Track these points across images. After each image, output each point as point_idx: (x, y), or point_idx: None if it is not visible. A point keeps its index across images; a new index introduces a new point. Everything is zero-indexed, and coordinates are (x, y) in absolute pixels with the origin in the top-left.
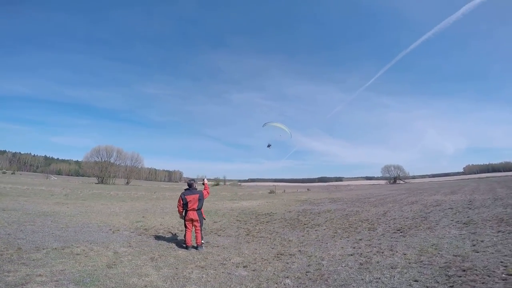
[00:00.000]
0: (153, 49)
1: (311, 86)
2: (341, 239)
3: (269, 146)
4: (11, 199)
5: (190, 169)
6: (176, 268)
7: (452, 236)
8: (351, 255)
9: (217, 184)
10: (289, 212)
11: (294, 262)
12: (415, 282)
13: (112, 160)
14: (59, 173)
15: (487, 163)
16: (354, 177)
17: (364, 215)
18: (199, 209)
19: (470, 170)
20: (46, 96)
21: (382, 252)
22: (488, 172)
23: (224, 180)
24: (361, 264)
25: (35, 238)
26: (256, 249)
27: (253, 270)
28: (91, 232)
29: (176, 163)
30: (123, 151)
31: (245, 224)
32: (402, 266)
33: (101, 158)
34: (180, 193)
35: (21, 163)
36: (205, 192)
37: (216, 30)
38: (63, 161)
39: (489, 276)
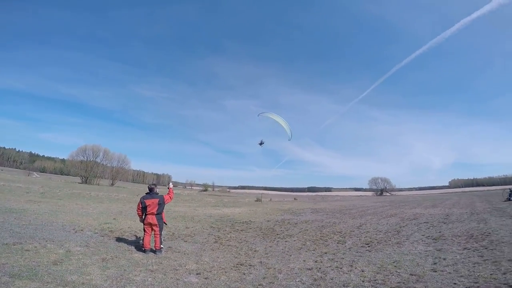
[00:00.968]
0: (151, 51)
1: (305, 96)
2: (306, 251)
3: (261, 143)
4: None
5: (180, 174)
6: (124, 270)
7: (417, 252)
8: (310, 269)
9: (205, 190)
10: (268, 221)
11: (251, 273)
12: None
13: (98, 160)
14: (43, 170)
15: (472, 178)
16: (343, 188)
17: (339, 227)
18: (158, 214)
19: (455, 184)
20: (41, 92)
21: (341, 268)
22: (472, 186)
23: (213, 186)
24: (315, 279)
25: None
26: (218, 257)
27: (205, 278)
28: (52, 231)
29: (166, 166)
30: (110, 151)
31: (218, 231)
32: (354, 284)
33: (87, 158)
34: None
35: (4, 158)
36: (166, 197)
37: (215, 34)
38: (48, 158)
39: None
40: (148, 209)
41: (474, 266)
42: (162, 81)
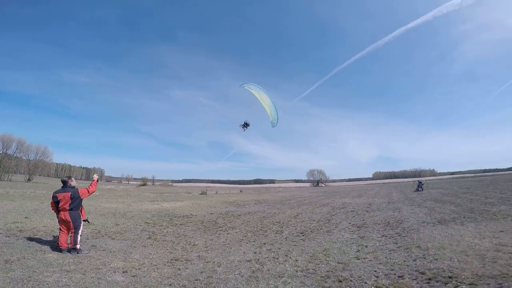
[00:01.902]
0: (90, 34)
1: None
2: (247, 243)
3: (245, 126)
4: None
5: (116, 168)
6: (34, 271)
7: (344, 240)
8: (249, 261)
9: (143, 184)
10: (211, 214)
11: (187, 268)
12: None
13: (10, 152)
14: None
15: (390, 171)
16: (285, 180)
17: (278, 218)
18: (72, 210)
19: (377, 176)
20: None
21: (277, 258)
22: (391, 178)
23: (153, 180)
24: (253, 271)
25: None
26: (150, 253)
27: (133, 276)
28: None
29: (99, 160)
30: (25, 142)
31: (153, 226)
32: (288, 275)
33: None
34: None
35: None
36: (83, 191)
37: (167, 22)
38: None
39: None
40: (60, 204)
41: (390, 253)
42: (100, 67)
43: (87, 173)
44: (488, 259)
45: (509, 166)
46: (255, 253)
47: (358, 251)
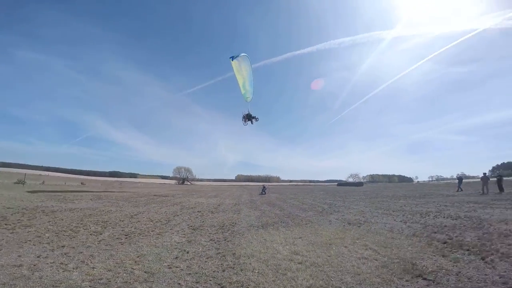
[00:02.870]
0: None
1: (139, 75)
2: (34, 245)
3: (246, 119)
4: None
5: None
6: None
7: (169, 244)
8: (19, 266)
9: None
10: (8, 208)
11: None
12: None
13: None
14: None
15: (249, 175)
16: (150, 175)
17: (108, 216)
18: None
19: (239, 178)
20: None
21: (67, 264)
22: (249, 181)
23: None
24: (13, 278)
25: None
26: None
27: None
28: None
29: None
30: None
31: None
32: (67, 284)
33: None
34: None
35: None
36: None
37: None
38: None
39: None
40: None
41: (206, 261)
42: None
43: None
44: (281, 271)
45: (326, 179)
46: (38, 256)
47: (176, 257)
